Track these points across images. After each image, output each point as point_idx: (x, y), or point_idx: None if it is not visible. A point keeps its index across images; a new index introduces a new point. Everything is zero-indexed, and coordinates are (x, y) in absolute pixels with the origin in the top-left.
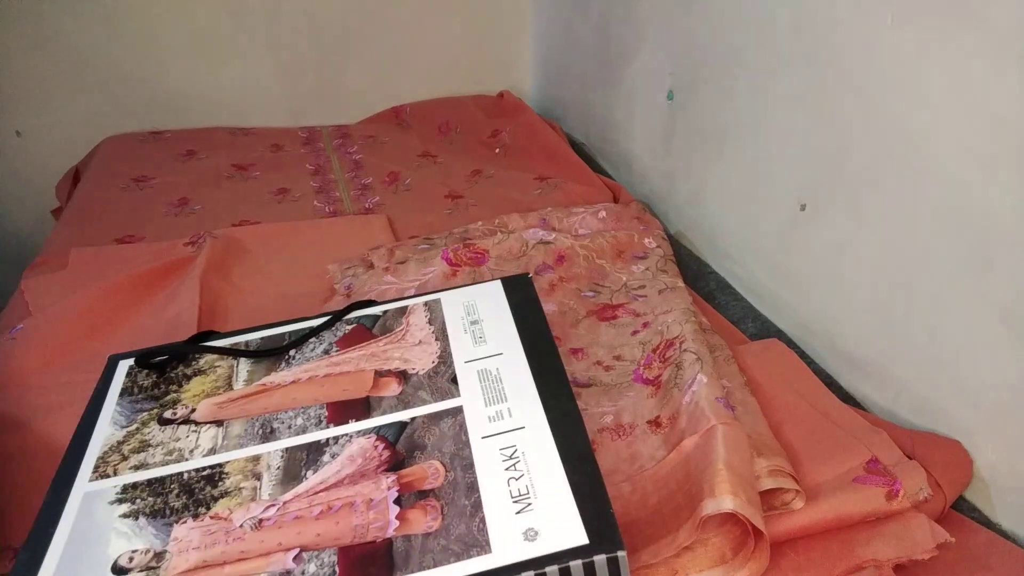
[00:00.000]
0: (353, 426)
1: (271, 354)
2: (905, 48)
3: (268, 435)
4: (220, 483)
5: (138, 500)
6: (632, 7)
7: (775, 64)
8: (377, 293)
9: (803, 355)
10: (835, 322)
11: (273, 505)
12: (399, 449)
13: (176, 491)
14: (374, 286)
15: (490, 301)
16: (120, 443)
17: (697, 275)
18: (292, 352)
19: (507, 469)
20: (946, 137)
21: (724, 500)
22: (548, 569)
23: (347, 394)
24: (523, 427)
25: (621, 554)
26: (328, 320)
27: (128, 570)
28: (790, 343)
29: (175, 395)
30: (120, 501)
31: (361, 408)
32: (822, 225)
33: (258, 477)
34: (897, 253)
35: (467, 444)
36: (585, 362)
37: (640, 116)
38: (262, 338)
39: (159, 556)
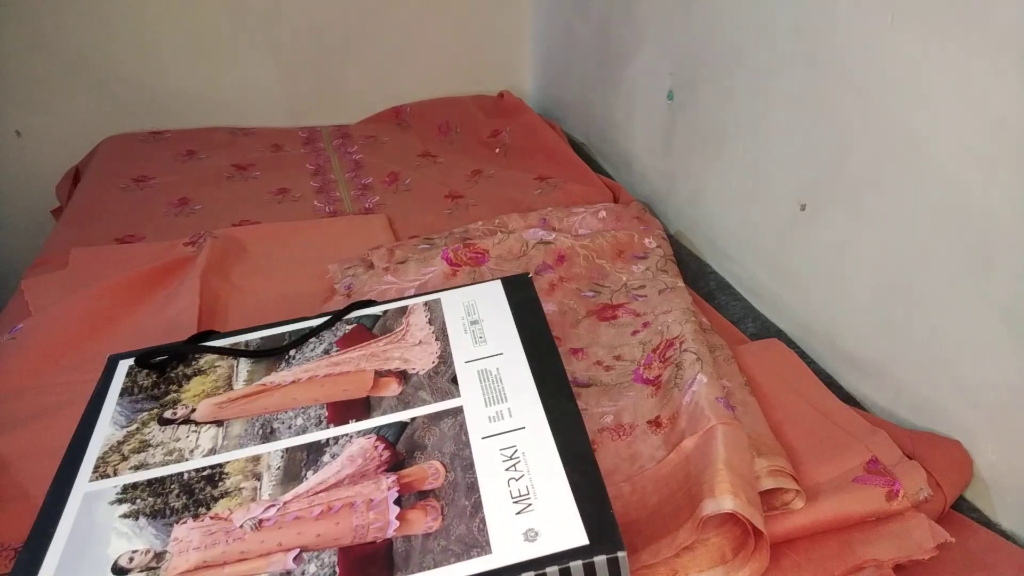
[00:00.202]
0: (353, 426)
1: (271, 354)
2: (905, 48)
3: (268, 435)
4: (220, 483)
5: (138, 500)
6: (632, 7)
7: (775, 64)
8: (377, 293)
9: (803, 355)
10: (835, 322)
11: (273, 505)
12: (399, 449)
13: (176, 491)
14: (374, 286)
15: (490, 301)
16: (120, 443)
17: (697, 275)
18: (292, 352)
19: (507, 469)
20: (946, 137)
21: (724, 500)
22: (548, 569)
23: (347, 394)
24: (523, 427)
25: (621, 554)
26: (328, 320)
27: (128, 570)
28: (790, 343)
29: (175, 395)
30: (120, 501)
31: (361, 408)
32: (822, 225)
33: (258, 477)
34: (897, 253)
35: (467, 444)
36: (585, 362)
37: (640, 116)
38: (262, 338)
39: (159, 556)
